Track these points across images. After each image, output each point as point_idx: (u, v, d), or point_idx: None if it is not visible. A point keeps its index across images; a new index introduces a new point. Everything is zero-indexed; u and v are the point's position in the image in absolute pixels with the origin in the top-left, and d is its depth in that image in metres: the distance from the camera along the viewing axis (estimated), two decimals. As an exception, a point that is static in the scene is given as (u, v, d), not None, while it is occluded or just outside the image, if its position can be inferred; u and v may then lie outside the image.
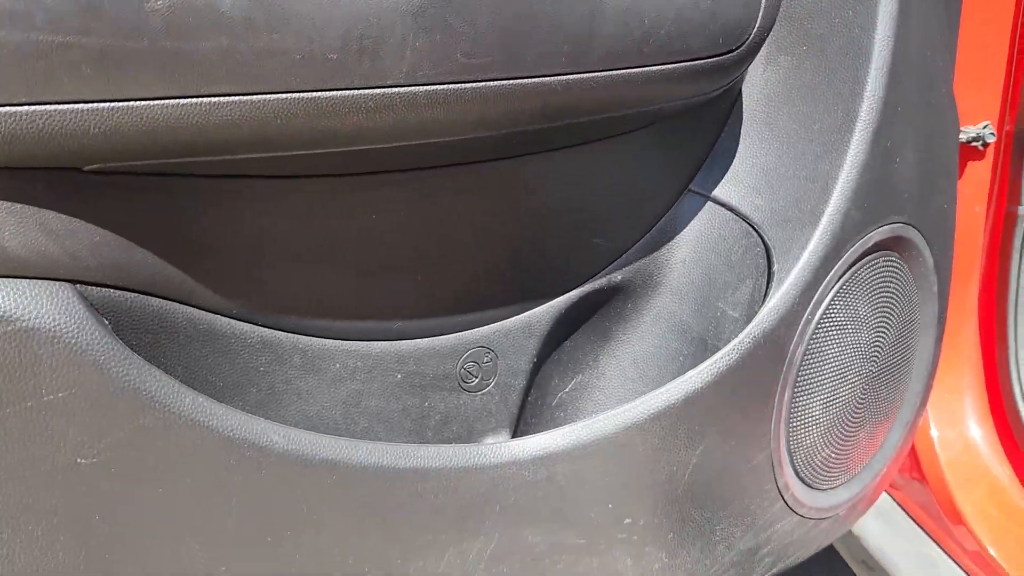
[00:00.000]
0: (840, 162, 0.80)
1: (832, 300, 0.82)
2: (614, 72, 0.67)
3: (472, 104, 0.61)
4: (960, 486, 1.22)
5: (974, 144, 1.22)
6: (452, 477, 0.69)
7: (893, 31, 0.80)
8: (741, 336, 0.76)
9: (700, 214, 0.87)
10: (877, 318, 0.87)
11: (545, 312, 0.84)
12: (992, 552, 1.15)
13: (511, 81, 0.62)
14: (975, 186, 1.24)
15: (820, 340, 0.82)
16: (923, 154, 0.88)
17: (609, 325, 0.88)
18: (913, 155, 0.86)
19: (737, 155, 0.86)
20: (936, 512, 1.25)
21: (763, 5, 0.74)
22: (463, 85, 0.60)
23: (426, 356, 0.79)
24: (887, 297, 0.88)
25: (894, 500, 1.34)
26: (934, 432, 1.24)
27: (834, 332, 0.83)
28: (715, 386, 0.76)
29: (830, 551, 1.40)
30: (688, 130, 0.85)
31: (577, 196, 0.81)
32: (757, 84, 0.86)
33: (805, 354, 0.81)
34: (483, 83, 0.61)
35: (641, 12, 0.66)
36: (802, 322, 0.80)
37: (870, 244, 0.83)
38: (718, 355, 0.76)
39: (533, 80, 0.63)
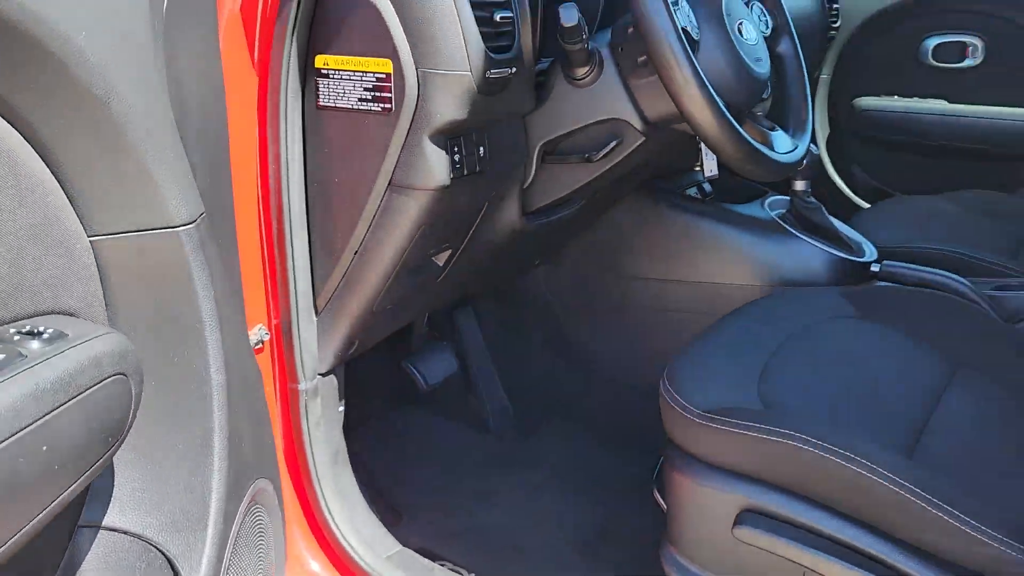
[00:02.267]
0: (209, 474, 0.99)
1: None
2: None
3: None
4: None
5: (258, 346, 1.51)
6: None
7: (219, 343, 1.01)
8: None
9: (96, 545, 0.95)
10: (261, 559, 1.10)
11: None
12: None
13: None
14: (266, 374, 1.55)
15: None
16: (254, 429, 1.13)
17: None
18: (250, 437, 1.10)
19: (117, 483, 0.97)
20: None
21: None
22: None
23: None
24: (264, 540, 1.11)
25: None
26: (287, 578, 1.53)
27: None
28: None
29: None
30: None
31: None
32: None
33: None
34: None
35: None
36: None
37: (244, 512, 1.05)
38: None
39: None
